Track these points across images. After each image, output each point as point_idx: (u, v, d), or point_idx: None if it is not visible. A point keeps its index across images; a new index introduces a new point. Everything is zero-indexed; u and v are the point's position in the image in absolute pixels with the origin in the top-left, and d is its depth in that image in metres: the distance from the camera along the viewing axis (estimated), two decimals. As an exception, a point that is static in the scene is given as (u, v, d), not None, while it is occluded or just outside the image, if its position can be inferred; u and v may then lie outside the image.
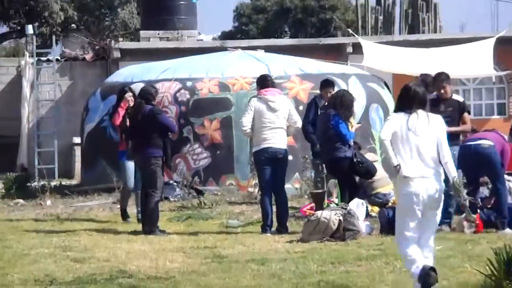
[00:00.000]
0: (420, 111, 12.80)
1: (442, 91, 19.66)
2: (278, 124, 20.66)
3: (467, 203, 15.10)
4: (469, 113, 21.27)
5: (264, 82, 21.78)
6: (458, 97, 21.34)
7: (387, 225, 19.33)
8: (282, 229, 20.88)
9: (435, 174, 12.59)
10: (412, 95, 13.04)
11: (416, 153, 12.74)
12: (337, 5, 51.87)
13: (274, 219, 21.65)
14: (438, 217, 13.24)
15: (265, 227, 20.82)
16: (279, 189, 21.15)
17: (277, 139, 20.73)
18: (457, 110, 19.73)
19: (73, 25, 51.00)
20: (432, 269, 12.31)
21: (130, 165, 22.64)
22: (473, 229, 18.97)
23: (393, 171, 12.59)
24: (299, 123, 22.07)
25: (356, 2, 43.95)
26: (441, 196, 12.84)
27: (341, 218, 19.28)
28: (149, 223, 21.18)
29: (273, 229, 21.31)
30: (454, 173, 13.49)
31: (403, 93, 13.51)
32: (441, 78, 20.04)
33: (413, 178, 12.60)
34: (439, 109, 18.81)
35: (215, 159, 27.66)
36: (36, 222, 22.63)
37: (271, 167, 20.88)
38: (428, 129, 12.86)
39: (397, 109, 13.29)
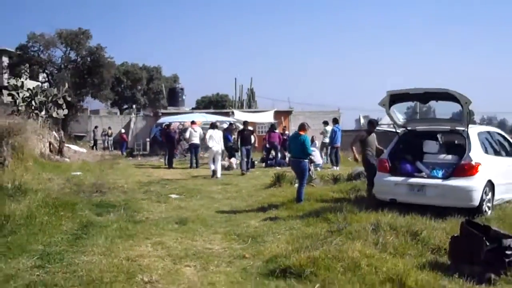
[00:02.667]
0: (215, 129, 16.22)
1: (245, 126, 18.29)
2: (197, 136, 19.36)
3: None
4: (254, 132, 20.71)
5: (193, 122, 20.60)
6: (251, 128, 19.37)
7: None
8: (196, 166, 19.94)
9: (219, 146, 15.89)
10: (213, 125, 16.28)
11: (215, 140, 15.58)
12: (226, 99, 51.02)
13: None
14: (220, 158, 16.29)
15: (191, 166, 19.64)
16: (197, 155, 19.95)
17: (197, 140, 19.44)
18: (251, 132, 18.53)
19: (146, 105, 50.17)
20: (214, 171, 15.98)
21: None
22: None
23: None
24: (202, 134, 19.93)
25: (234, 98, 43.40)
26: (220, 151, 16.11)
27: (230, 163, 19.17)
28: (170, 165, 20.37)
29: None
30: (222, 146, 16.68)
31: (211, 125, 16.75)
32: (245, 123, 18.82)
33: (212, 146, 15.85)
34: (245, 132, 18.15)
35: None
36: (135, 164, 22.36)
37: (194, 149, 19.79)
38: (218, 133, 16.12)
39: (210, 128, 16.28)
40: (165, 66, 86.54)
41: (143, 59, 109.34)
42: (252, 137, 19.29)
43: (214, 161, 16.54)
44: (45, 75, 35.70)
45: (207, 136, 16.83)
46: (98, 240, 7.16)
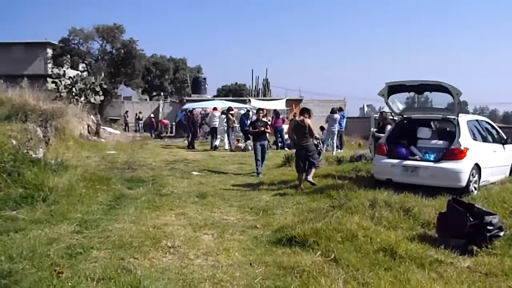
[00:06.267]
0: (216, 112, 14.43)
1: (258, 116, 12.52)
2: (217, 120, 19.89)
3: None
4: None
5: (214, 108, 20.77)
6: (265, 119, 13.85)
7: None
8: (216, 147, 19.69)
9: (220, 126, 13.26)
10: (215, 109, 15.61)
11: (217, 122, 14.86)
12: (243, 88, 50.24)
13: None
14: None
15: (212, 147, 19.63)
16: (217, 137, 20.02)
17: (217, 124, 19.83)
18: (265, 125, 12.40)
19: (173, 93, 50.12)
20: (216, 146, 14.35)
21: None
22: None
23: None
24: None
25: (251, 87, 43.02)
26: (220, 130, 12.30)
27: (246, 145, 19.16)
28: (192, 146, 20.25)
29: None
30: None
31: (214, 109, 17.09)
32: (258, 111, 13.02)
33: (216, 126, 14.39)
34: (257, 123, 12.38)
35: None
36: (162, 145, 22.34)
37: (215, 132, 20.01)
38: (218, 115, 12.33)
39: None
40: (190, 58, 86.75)
41: (170, 52, 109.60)
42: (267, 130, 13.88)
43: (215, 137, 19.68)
44: (84, 65, 35.94)
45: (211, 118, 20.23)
46: (129, 210, 7.33)
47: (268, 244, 5.80)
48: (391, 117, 11.19)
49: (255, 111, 24.65)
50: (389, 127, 10.65)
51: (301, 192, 9.12)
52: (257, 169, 12.02)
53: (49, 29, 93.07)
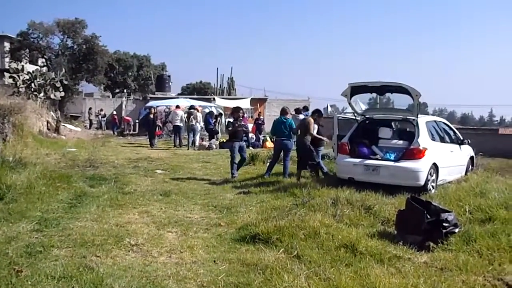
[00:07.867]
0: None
1: (236, 115, 13.94)
2: (179, 118, 19.81)
3: None
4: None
5: (177, 106, 20.73)
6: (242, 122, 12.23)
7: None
8: (179, 145, 19.74)
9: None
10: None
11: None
12: (208, 87, 49.79)
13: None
14: None
15: (175, 145, 19.80)
16: (180, 136, 20.22)
17: (179, 122, 19.86)
18: (242, 127, 11.57)
19: (136, 90, 49.23)
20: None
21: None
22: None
23: None
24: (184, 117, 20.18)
25: (215, 85, 42.75)
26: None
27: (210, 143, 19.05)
28: (151, 144, 20.34)
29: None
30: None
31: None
32: (235, 110, 14.78)
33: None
34: (236, 124, 11.21)
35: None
36: (124, 143, 22.08)
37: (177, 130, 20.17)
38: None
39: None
40: (154, 55, 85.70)
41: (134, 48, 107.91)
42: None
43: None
44: (44, 60, 35.03)
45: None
46: (90, 209, 7.23)
47: (232, 241, 5.85)
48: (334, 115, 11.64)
49: (219, 110, 24.97)
50: (316, 126, 10.68)
51: (265, 190, 9.21)
52: (232, 172, 11.04)
53: (5, 22, 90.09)
